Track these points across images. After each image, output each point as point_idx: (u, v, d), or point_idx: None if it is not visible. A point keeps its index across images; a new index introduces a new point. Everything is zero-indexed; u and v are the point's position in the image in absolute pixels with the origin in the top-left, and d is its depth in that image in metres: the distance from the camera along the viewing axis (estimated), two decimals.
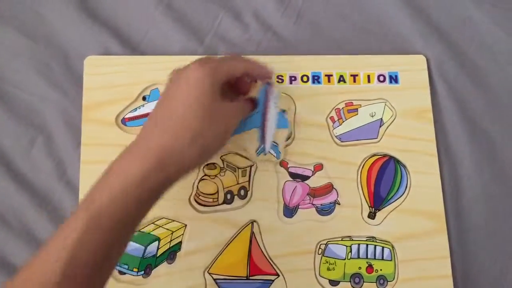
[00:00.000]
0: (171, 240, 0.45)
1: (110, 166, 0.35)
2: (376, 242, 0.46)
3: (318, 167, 0.48)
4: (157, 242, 0.45)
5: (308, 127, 0.49)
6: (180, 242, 0.45)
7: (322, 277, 0.45)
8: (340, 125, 0.49)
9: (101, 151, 0.47)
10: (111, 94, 0.49)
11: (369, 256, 0.46)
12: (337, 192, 0.48)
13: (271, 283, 0.45)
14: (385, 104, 0.50)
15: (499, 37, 0.53)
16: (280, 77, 0.50)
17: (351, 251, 0.46)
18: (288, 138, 0.48)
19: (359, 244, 0.46)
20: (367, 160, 0.49)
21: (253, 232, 0.46)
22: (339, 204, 0.47)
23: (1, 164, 0.47)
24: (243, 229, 0.46)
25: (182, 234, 0.46)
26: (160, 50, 0.52)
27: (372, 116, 0.50)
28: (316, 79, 0.51)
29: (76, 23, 0.52)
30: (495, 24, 0.54)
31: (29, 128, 0.48)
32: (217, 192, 0.46)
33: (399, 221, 0.47)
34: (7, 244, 0.45)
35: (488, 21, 0.54)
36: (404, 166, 0.49)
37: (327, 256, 0.46)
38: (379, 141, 0.49)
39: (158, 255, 0.45)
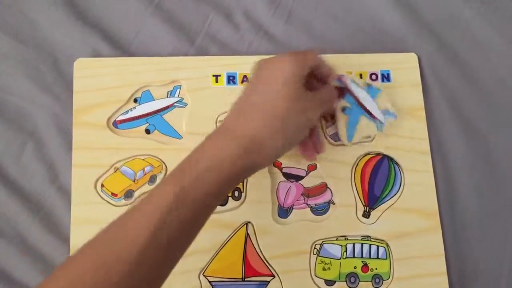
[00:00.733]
0: None
1: (202, 145, 0.37)
2: (371, 241, 0.46)
3: (312, 167, 0.48)
4: None
5: None
6: None
7: (318, 277, 0.45)
8: (332, 124, 0.49)
9: (93, 154, 0.47)
10: (102, 97, 0.48)
11: (364, 255, 0.46)
12: (331, 192, 0.48)
13: (267, 284, 0.44)
14: None
15: (490, 35, 0.54)
16: None
17: (346, 251, 0.46)
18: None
19: (354, 244, 0.46)
20: (360, 159, 0.49)
21: (248, 233, 0.46)
22: (333, 203, 0.47)
23: None
24: (237, 230, 0.46)
25: None
26: (150, 51, 0.51)
27: None
28: None
29: (65, 25, 0.51)
30: (486, 21, 0.54)
31: (20, 133, 0.48)
32: None
33: (394, 220, 0.47)
34: None
35: (478, 19, 0.54)
36: (398, 165, 0.49)
37: (322, 256, 0.46)
38: (372, 140, 0.49)
39: None
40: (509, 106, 0.52)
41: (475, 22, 0.54)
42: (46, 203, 0.46)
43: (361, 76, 0.51)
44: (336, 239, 0.46)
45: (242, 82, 0.50)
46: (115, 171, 0.46)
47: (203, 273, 0.44)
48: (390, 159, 0.49)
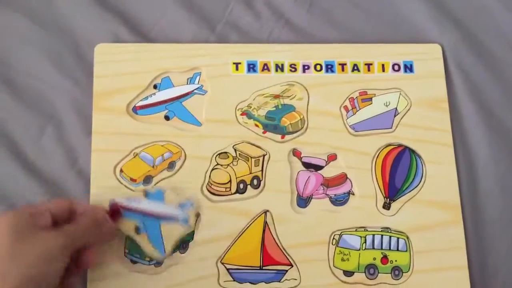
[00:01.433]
0: None
1: None
2: (391, 233, 0.46)
3: (332, 157, 0.48)
4: None
5: (321, 117, 0.49)
6: (193, 232, 0.45)
7: (336, 267, 0.45)
8: (354, 114, 0.49)
9: (112, 139, 0.46)
10: (122, 82, 0.48)
11: (384, 247, 0.45)
12: (351, 182, 0.47)
13: (285, 273, 0.44)
14: (400, 94, 0.49)
15: None
16: (293, 65, 0.50)
17: (365, 242, 0.45)
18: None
19: (373, 235, 0.46)
20: (381, 150, 0.48)
21: (266, 222, 0.45)
22: (353, 194, 0.47)
23: (11, 152, 0.46)
24: (256, 219, 0.45)
25: (195, 224, 0.45)
26: (171, 38, 0.51)
27: (387, 105, 0.49)
28: (329, 68, 0.50)
29: (86, 10, 0.51)
30: (511, 12, 0.53)
31: (39, 116, 0.48)
32: (230, 181, 0.46)
33: (414, 212, 0.46)
34: None
35: (504, 10, 0.53)
36: (419, 156, 0.48)
37: (341, 247, 0.45)
38: (393, 131, 0.48)
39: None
40: None
41: (501, 13, 0.53)
42: (65, 187, 0.46)
43: (383, 67, 0.50)
44: (356, 230, 0.46)
45: (262, 70, 0.50)
46: (134, 157, 0.46)
47: (221, 260, 0.44)
48: (412, 151, 0.48)
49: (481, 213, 0.47)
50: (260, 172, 0.47)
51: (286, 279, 0.44)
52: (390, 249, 0.45)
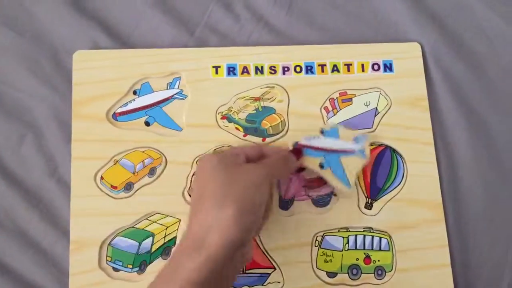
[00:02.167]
0: (165, 236, 0.45)
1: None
2: (373, 232, 0.46)
3: None
4: (151, 238, 0.44)
5: (302, 118, 0.49)
6: (175, 237, 0.45)
7: (320, 269, 0.45)
8: (334, 115, 0.49)
9: (92, 146, 0.46)
10: (101, 89, 0.48)
11: (366, 247, 0.45)
12: None
13: (268, 276, 0.44)
14: (380, 93, 0.49)
15: (495, 22, 0.53)
16: (273, 68, 0.50)
17: (348, 243, 0.45)
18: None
19: (356, 235, 0.46)
20: None
21: None
22: (335, 195, 0.47)
23: None
24: None
25: (177, 229, 0.45)
26: (150, 43, 0.51)
27: (367, 105, 0.49)
28: (309, 69, 0.50)
29: (64, 17, 0.51)
30: (490, 8, 0.53)
31: (19, 125, 0.48)
32: None
33: (396, 211, 0.46)
34: None
35: (483, 6, 0.53)
36: (400, 155, 0.48)
37: (324, 248, 0.45)
38: (374, 130, 0.49)
39: (152, 251, 0.44)
40: None
41: (481, 10, 0.53)
42: (46, 196, 0.46)
43: (363, 67, 0.50)
44: (338, 231, 0.46)
45: (242, 73, 0.50)
46: (114, 164, 0.46)
47: None
48: (393, 150, 0.48)
49: (463, 211, 0.47)
50: None
51: (269, 282, 0.44)
52: (372, 249, 0.45)
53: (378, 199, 0.47)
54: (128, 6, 0.52)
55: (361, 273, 0.45)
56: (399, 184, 0.47)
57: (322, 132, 0.46)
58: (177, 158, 0.46)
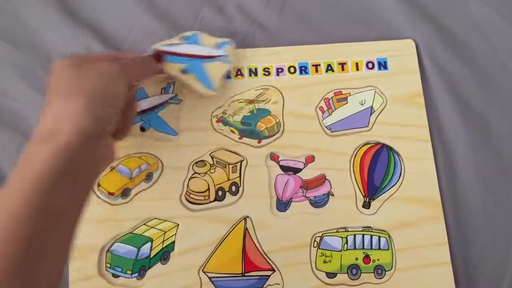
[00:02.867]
0: (164, 241, 0.45)
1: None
2: (372, 232, 0.46)
3: (310, 159, 0.47)
4: (150, 243, 0.44)
5: (297, 119, 0.48)
6: (173, 242, 0.45)
7: (319, 270, 0.44)
8: (329, 115, 0.49)
9: None
10: None
11: (365, 247, 0.45)
12: (330, 184, 0.47)
13: (267, 279, 0.44)
14: (375, 92, 0.49)
15: (490, 17, 0.52)
16: (266, 69, 0.50)
17: (347, 243, 0.45)
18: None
19: (355, 235, 0.45)
20: (359, 149, 0.48)
21: (246, 228, 0.45)
22: (332, 195, 0.47)
23: None
24: (236, 225, 0.45)
25: (175, 234, 0.45)
26: (144, 48, 0.51)
27: (362, 104, 0.49)
28: (303, 69, 0.50)
29: (58, 25, 0.51)
30: (485, 3, 0.53)
31: (16, 135, 0.48)
32: (208, 189, 0.46)
33: (395, 210, 0.46)
34: None
35: (477, 0, 0.53)
36: (397, 154, 0.48)
37: (323, 249, 0.45)
38: (370, 129, 0.48)
39: (151, 256, 0.44)
40: (510, 90, 0.50)
41: (474, 4, 0.53)
42: None
43: (357, 65, 0.50)
44: (337, 231, 0.46)
45: (236, 75, 0.50)
46: (111, 170, 0.46)
47: (203, 269, 0.44)
48: (390, 148, 0.48)
49: (462, 207, 0.47)
50: (238, 178, 0.47)
51: (269, 285, 0.44)
52: (371, 248, 0.45)
53: (376, 198, 0.47)
54: (121, 12, 0.52)
55: (361, 272, 0.45)
56: (396, 183, 0.47)
57: (183, 38, 0.46)
58: (174, 162, 0.47)
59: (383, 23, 0.52)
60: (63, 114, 0.33)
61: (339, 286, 0.44)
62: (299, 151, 0.47)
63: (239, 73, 0.49)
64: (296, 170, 0.47)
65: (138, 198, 0.46)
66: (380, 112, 0.49)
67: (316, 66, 0.50)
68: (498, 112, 0.50)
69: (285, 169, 0.47)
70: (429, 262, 0.45)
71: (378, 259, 0.45)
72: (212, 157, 0.47)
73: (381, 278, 0.44)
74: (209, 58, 0.45)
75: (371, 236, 0.45)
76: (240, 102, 0.49)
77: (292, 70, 0.50)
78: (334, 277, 0.44)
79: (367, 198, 0.47)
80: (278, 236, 0.45)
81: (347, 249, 0.45)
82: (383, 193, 0.47)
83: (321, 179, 0.47)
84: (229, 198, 0.46)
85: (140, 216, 0.45)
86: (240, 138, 0.48)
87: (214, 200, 0.46)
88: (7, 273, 0.27)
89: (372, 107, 0.49)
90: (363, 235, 0.45)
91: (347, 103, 0.49)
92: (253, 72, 0.50)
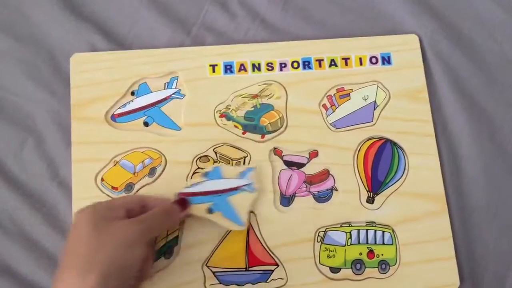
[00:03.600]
0: (167, 235, 0.45)
1: None
2: (376, 226, 0.45)
3: (314, 153, 0.47)
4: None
5: (301, 114, 0.48)
6: (177, 237, 0.45)
7: (323, 264, 0.44)
8: (333, 112, 0.48)
9: (92, 148, 0.46)
10: (99, 91, 0.48)
11: (369, 241, 0.45)
12: (333, 178, 0.47)
13: (271, 273, 0.44)
14: (377, 86, 0.49)
15: (494, 11, 0.52)
16: (270, 64, 0.50)
17: (351, 237, 0.45)
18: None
19: (358, 230, 0.45)
20: (363, 144, 0.48)
21: (250, 222, 0.45)
22: (336, 190, 0.47)
23: None
24: None
25: (179, 229, 0.45)
26: (146, 43, 0.51)
27: (365, 99, 0.49)
28: (306, 64, 0.50)
29: (60, 21, 0.51)
30: None
31: (19, 130, 0.48)
32: None
33: (399, 205, 0.46)
34: (4, 247, 0.45)
35: None
36: (401, 148, 0.48)
37: (326, 244, 0.45)
38: (374, 124, 0.48)
39: (155, 251, 0.44)
40: None
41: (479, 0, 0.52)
42: (48, 199, 0.46)
43: (360, 60, 0.50)
44: (340, 226, 0.45)
45: (239, 71, 0.49)
46: (114, 165, 0.46)
47: (206, 263, 0.44)
48: (393, 143, 0.48)
49: (466, 202, 0.47)
50: None
51: (272, 279, 0.44)
52: (375, 243, 0.45)
53: (380, 193, 0.46)
54: (124, 7, 0.52)
55: (365, 267, 0.44)
56: (400, 177, 0.47)
57: (204, 175, 0.45)
58: (177, 157, 0.46)
59: (387, 18, 0.52)
60: None
61: (343, 281, 0.44)
62: (302, 146, 0.47)
63: (242, 68, 0.49)
64: (299, 165, 0.47)
65: (141, 193, 0.45)
66: (384, 107, 0.49)
67: (320, 61, 0.50)
68: (503, 107, 0.50)
69: (289, 164, 0.47)
70: (434, 257, 0.45)
71: (382, 254, 0.45)
72: (215, 153, 0.47)
73: (385, 273, 0.44)
74: (234, 191, 0.44)
75: (375, 231, 0.45)
76: (243, 97, 0.49)
77: (295, 65, 0.50)
78: (338, 272, 0.44)
79: (371, 193, 0.46)
80: (282, 231, 0.45)
81: (351, 244, 0.45)
82: (387, 188, 0.47)
83: (325, 174, 0.47)
84: None
85: None
86: (243, 133, 0.48)
87: None
88: None
89: (375, 102, 0.49)
90: (367, 230, 0.45)
91: (349, 99, 0.49)
92: (256, 67, 0.49)
